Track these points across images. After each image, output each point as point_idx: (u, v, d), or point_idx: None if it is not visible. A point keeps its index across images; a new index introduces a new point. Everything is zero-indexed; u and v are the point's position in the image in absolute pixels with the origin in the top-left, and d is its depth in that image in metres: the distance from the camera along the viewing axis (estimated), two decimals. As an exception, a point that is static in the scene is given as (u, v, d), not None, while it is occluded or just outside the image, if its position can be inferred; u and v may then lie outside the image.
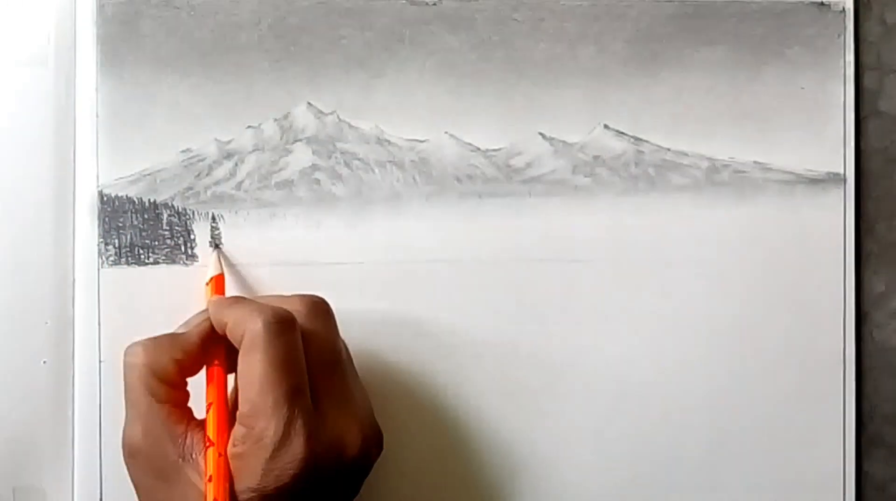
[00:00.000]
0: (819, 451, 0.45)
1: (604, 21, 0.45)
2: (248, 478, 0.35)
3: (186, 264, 0.43)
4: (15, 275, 0.42)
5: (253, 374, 0.35)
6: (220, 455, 0.36)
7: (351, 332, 0.41)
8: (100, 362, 0.43)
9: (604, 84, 0.45)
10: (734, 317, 0.45)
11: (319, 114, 0.44)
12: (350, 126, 0.44)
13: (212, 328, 0.38)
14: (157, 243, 0.43)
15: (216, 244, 0.43)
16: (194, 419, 0.37)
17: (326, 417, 0.36)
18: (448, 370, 0.44)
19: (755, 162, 0.45)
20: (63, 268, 0.43)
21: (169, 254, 0.43)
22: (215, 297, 0.40)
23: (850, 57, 0.45)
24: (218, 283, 0.42)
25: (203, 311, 0.39)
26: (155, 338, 0.37)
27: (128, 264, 0.43)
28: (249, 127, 0.44)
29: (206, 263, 0.43)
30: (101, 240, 0.43)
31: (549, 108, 0.45)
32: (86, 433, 0.43)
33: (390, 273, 0.44)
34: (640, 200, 0.45)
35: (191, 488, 0.35)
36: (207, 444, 0.36)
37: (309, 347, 0.37)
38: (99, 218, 0.43)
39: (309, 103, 0.44)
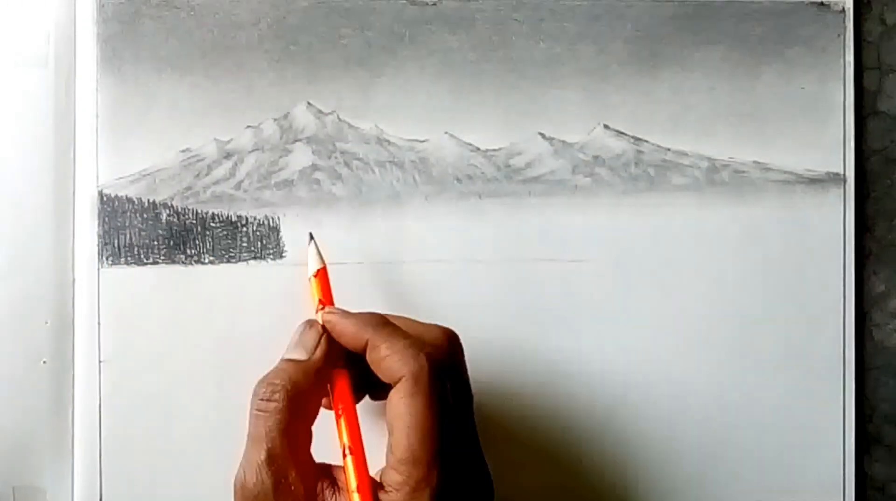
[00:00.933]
0: (819, 451, 0.45)
1: (604, 21, 0.45)
2: None
3: (186, 263, 0.43)
4: (15, 275, 0.42)
5: (415, 420, 0.33)
6: (360, 463, 0.34)
7: (351, 332, 0.40)
8: (100, 362, 0.43)
9: (604, 84, 0.45)
10: (734, 317, 0.45)
11: (319, 114, 0.44)
12: (350, 126, 0.44)
13: (331, 343, 0.36)
14: (156, 243, 0.43)
15: (311, 236, 0.41)
16: (316, 463, 0.36)
17: (464, 462, 0.35)
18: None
19: (755, 162, 0.45)
20: (63, 268, 0.43)
21: (169, 254, 0.43)
22: (343, 313, 0.37)
23: (850, 57, 0.45)
24: (323, 277, 0.39)
25: (314, 325, 0.37)
26: (287, 374, 0.35)
27: (128, 264, 0.43)
28: (249, 127, 0.44)
29: (206, 261, 0.43)
30: (101, 240, 0.43)
31: (549, 108, 0.45)
32: (86, 433, 0.43)
33: (390, 273, 0.44)
34: (640, 200, 0.45)
35: None
36: (345, 452, 0.35)
37: (452, 386, 0.35)
38: (99, 218, 0.43)
39: (309, 103, 0.44)
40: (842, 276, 0.45)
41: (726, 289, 0.45)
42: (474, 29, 0.44)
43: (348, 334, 0.36)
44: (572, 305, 0.44)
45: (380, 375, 0.35)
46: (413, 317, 0.38)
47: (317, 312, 0.39)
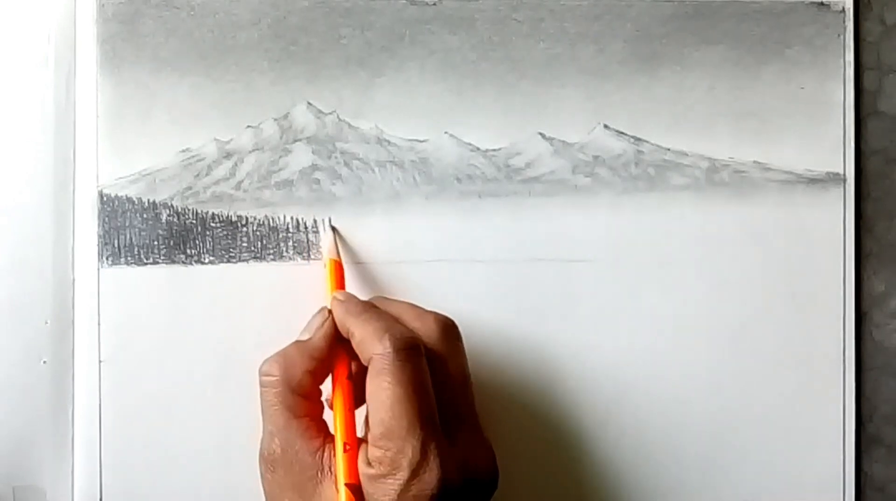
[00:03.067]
0: (819, 451, 0.45)
1: (604, 21, 0.45)
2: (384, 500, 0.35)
3: (186, 263, 0.43)
4: (15, 275, 0.42)
5: (384, 397, 0.35)
6: (347, 450, 0.36)
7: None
8: (100, 362, 0.43)
9: (604, 84, 0.45)
10: (734, 317, 0.45)
11: (319, 114, 0.44)
12: (350, 126, 0.44)
13: (335, 327, 0.38)
14: (156, 243, 0.43)
15: (332, 227, 0.43)
16: (329, 433, 0.37)
17: (457, 439, 0.36)
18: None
19: (755, 162, 0.45)
20: (63, 268, 0.43)
21: (169, 254, 0.43)
22: (341, 295, 0.39)
23: (850, 57, 0.45)
24: (338, 270, 0.41)
25: (322, 310, 0.39)
26: (285, 353, 0.37)
27: (128, 264, 0.43)
28: (249, 127, 0.44)
29: (206, 261, 0.43)
30: (101, 240, 0.43)
31: (549, 108, 0.45)
32: (86, 433, 0.43)
33: (390, 273, 0.44)
34: (640, 200, 0.45)
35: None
36: (336, 440, 0.36)
37: (440, 369, 0.37)
38: (99, 218, 0.43)
39: (309, 103, 0.44)
40: (842, 276, 0.45)
41: (726, 289, 0.45)
42: (474, 29, 0.44)
43: (338, 321, 0.38)
44: (572, 305, 0.44)
45: (361, 360, 0.37)
46: (448, 315, 0.39)
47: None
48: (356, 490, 0.35)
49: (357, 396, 0.38)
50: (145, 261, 0.43)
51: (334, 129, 0.44)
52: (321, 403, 0.38)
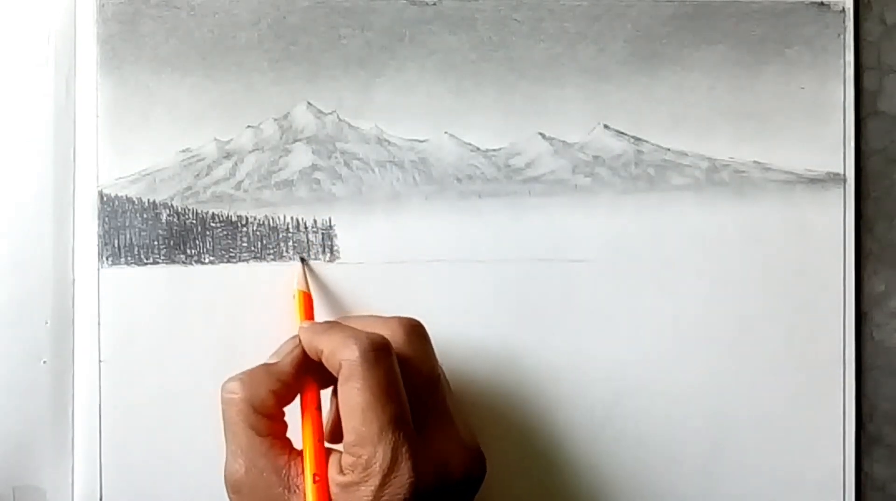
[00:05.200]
0: (819, 451, 0.45)
1: (604, 21, 0.45)
2: None
3: (186, 263, 0.43)
4: (15, 275, 0.42)
5: (354, 403, 0.35)
6: (316, 480, 0.36)
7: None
8: (100, 362, 0.43)
9: (604, 84, 0.45)
10: (734, 317, 0.45)
11: (319, 114, 0.44)
12: (350, 126, 0.44)
13: (304, 354, 0.38)
14: (156, 243, 0.43)
15: (302, 258, 0.43)
16: (294, 449, 0.37)
17: (429, 440, 0.36)
18: (447, 370, 0.44)
19: (755, 162, 0.45)
20: (63, 268, 0.43)
21: (169, 254, 0.43)
22: (306, 324, 0.39)
23: (850, 57, 0.45)
24: (306, 300, 0.41)
25: (293, 337, 0.39)
26: (250, 372, 0.37)
27: (128, 264, 0.43)
28: (249, 127, 0.44)
29: (206, 261, 0.43)
30: (101, 240, 0.43)
31: (549, 108, 0.45)
32: (86, 434, 0.43)
33: (390, 273, 0.44)
34: (640, 200, 0.45)
35: None
36: (315, 478, 0.36)
37: (408, 371, 0.37)
38: (99, 218, 0.43)
39: (309, 103, 0.44)
40: (842, 276, 0.45)
41: (726, 289, 0.45)
42: (474, 29, 0.44)
43: (306, 344, 0.38)
44: (572, 305, 0.44)
45: (333, 373, 0.37)
46: (413, 317, 0.39)
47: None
48: None
49: (335, 433, 0.38)
50: (145, 261, 0.43)
51: (334, 129, 0.44)
52: (284, 423, 0.38)
